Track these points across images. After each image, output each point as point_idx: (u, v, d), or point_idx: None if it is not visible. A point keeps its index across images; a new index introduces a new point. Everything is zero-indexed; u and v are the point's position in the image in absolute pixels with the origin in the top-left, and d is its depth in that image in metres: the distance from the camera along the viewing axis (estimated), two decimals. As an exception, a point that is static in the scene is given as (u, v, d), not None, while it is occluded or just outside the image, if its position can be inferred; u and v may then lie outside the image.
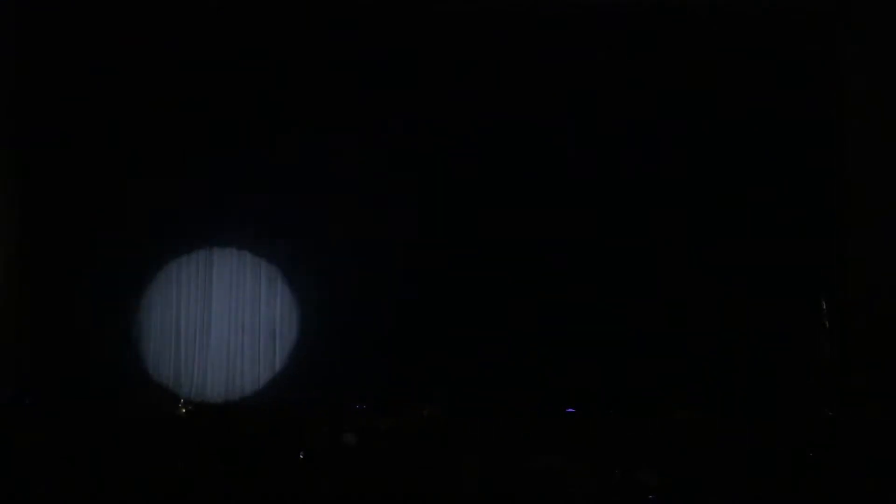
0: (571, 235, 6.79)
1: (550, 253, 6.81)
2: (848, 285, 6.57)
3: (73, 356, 6.68)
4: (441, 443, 5.45)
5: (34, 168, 6.80)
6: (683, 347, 6.68)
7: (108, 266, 6.76)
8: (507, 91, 6.80)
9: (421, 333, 6.81)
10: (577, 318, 6.71)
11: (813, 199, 6.73)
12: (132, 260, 6.84)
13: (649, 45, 6.78)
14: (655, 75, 6.78)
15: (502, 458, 4.64)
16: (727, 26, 6.73)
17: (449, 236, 6.84)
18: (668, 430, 5.89)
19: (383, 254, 6.81)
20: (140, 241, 6.83)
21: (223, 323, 6.92)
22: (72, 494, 4.30)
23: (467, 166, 6.86)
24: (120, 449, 4.73)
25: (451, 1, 6.77)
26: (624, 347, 6.65)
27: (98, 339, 6.74)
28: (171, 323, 6.91)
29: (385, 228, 6.78)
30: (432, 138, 6.89)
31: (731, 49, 6.74)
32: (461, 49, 6.80)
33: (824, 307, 6.65)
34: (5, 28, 6.70)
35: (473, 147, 6.87)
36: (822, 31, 6.71)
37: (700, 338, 6.73)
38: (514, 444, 5.29)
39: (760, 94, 6.72)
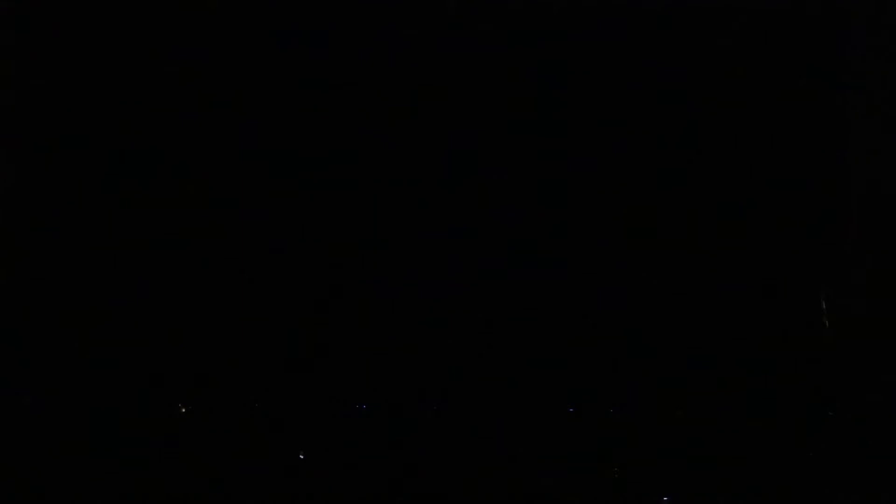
0: (571, 235, 6.79)
1: (550, 253, 6.81)
2: (848, 285, 6.58)
3: (72, 356, 6.68)
4: (440, 442, 5.46)
5: (33, 168, 6.81)
6: (683, 347, 6.68)
7: (109, 265, 6.76)
8: (507, 91, 6.80)
9: (420, 332, 6.81)
10: (577, 318, 6.71)
11: (813, 198, 6.73)
12: (132, 259, 6.84)
13: (649, 44, 6.78)
14: (654, 75, 6.78)
15: (502, 458, 4.64)
16: (727, 26, 6.73)
17: (447, 235, 6.84)
18: (668, 430, 5.91)
19: (382, 253, 6.80)
20: (140, 240, 6.83)
21: (223, 322, 6.92)
22: (72, 494, 4.29)
23: (467, 165, 6.86)
24: (120, 449, 4.73)
25: (451, 1, 6.78)
26: (624, 347, 6.65)
27: (98, 339, 6.74)
28: (170, 322, 6.91)
29: (383, 227, 6.78)
30: (431, 138, 6.89)
31: (730, 49, 6.74)
32: (461, 49, 6.81)
33: (824, 307, 6.65)
34: (5, 28, 6.71)
35: (473, 147, 6.87)
36: (822, 31, 6.71)
37: (700, 338, 6.73)
38: (515, 443, 5.31)
39: (760, 94, 6.72)
